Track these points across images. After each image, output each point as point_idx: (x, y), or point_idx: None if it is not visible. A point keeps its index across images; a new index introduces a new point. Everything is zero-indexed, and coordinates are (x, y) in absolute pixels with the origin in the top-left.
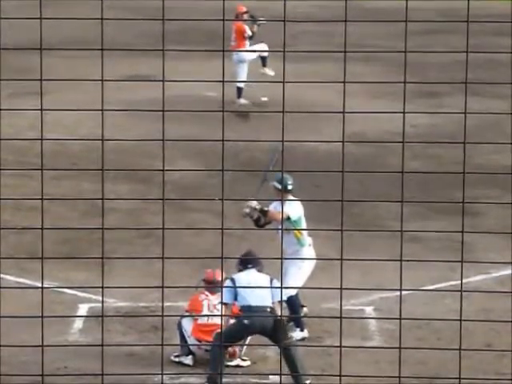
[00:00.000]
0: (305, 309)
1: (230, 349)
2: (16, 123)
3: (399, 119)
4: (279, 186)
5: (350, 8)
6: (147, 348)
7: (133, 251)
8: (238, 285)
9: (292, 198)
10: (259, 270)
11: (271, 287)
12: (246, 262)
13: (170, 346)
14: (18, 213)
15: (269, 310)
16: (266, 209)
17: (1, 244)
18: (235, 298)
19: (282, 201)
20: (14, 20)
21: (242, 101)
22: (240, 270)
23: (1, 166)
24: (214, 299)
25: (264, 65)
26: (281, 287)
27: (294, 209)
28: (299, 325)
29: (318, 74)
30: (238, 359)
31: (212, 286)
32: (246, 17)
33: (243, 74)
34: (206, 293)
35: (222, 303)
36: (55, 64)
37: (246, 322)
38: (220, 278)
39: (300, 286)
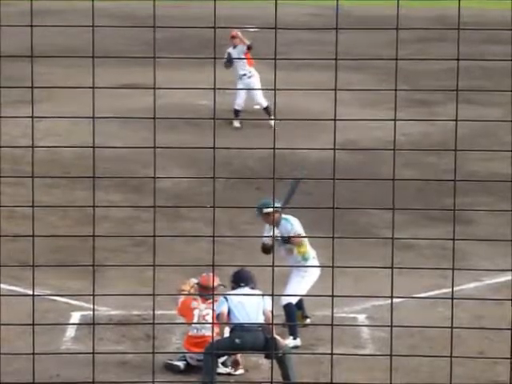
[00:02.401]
0: (308, 320)
1: (233, 357)
2: (9, 132)
3: (391, 127)
4: (269, 210)
5: (342, 16)
6: (140, 356)
7: (125, 259)
8: (230, 301)
9: (284, 216)
10: (252, 288)
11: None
12: (239, 280)
13: (162, 354)
14: (12, 221)
15: (260, 328)
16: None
17: None
18: (228, 314)
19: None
20: (6, 28)
21: (237, 124)
22: (233, 288)
23: None
24: (204, 309)
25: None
26: (272, 294)
27: (299, 226)
28: (293, 333)
29: (310, 83)
30: (230, 368)
31: (205, 293)
32: (237, 41)
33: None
34: (198, 300)
35: (213, 310)
36: (49, 72)
37: (237, 341)
38: (215, 284)
39: (300, 294)
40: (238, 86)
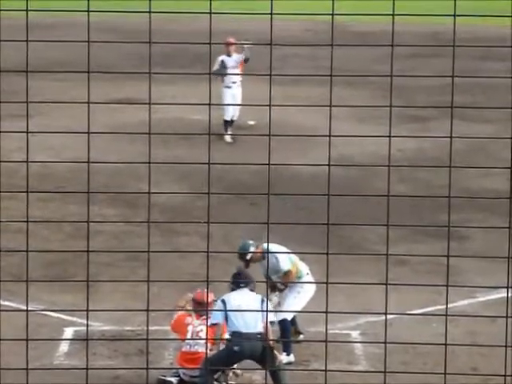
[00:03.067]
0: (301, 336)
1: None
2: (3, 146)
3: (386, 143)
4: (250, 255)
5: (337, 32)
6: (133, 371)
7: (119, 274)
8: (228, 306)
9: (268, 245)
10: (251, 289)
11: (261, 310)
12: (239, 281)
13: (156, 370)
14: (5, 235)
15: (259, 335)
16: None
17: None
18: (226, 319)
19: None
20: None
21: (228, 139)
22: (233, 289)
23: None
24: (198, 325)
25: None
26: (266, 310)
27: (284, 260)
28: (287, 349)
29: (304, 98)
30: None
31: (199, 309)
32: (232, 48)
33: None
34: (192, 316)
35: (207, 326)
36: (43, 87)
37: (235, 348)
38: (209, 300)
39: (296, 310)
40: (225, 95)
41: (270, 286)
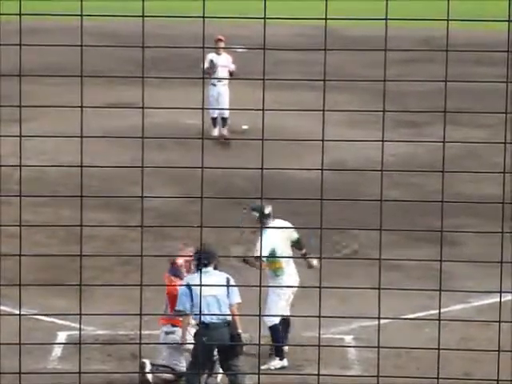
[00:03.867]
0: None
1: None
2: None
3: (379, 148)
4: (256, 214)
5: (329, 36)
6: (126, 376)
7: (112, 279)
8: (193, 289)
9: (270, 225)
10: (215, 267)
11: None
12: (202, 258)
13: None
14: None
15: (226, 324)
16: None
17: None
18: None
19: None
20: None
21: (216, 132)
22: (197, 267)
23: None
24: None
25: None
26: (259, 315)
27: (265, 244)
28: (279, 354)
29: (298, 103)
30: None
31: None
32: (222, 45)
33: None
34: (172, 279)
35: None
36: (36, 91)
37: (204, 339)
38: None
39: (282, 313)
40: (211, 92)
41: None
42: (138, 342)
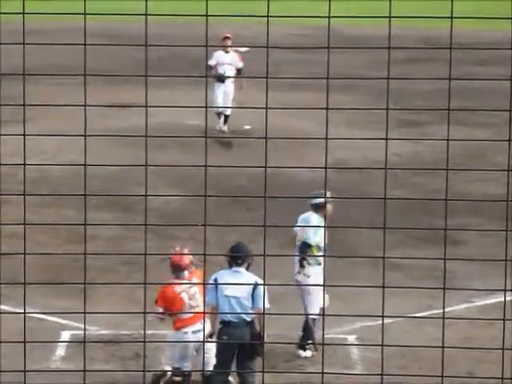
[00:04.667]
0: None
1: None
2: None
3: (382, 148)
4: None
5: (331, 36)
6: (129, 376)
7: (114, 279)
8: (219, 288)
9: (315, 216)
10: (247, 267)
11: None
12: (236, 256)
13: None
14: None
15: (246, 323)
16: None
17: None
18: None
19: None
20: None
21: (222, 126)
22: (229, 264)
23: None
24: (189, 287)
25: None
26: (264, 313)
27: (316, 232)
28: (304, 346)
29: (299, 103)
30: None
31: (178, 272)
32: (229, 43)
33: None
34: (179, 280)
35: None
36: (37, 92)
37: (224, 338)
38: (187, 262)
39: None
40: (217, 90)
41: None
42: (141, 341)
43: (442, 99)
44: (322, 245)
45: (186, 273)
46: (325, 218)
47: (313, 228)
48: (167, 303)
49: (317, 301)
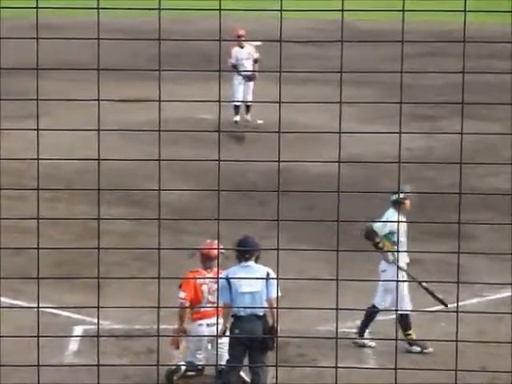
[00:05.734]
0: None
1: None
2: (9, 146)
3: (394, 142)
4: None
5: (344, 30)
6: (142, 371)
7: (127, 274)
8: (232, 284)
9: (392, 211)
10: (256, 260)
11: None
12: (244, 250)
13: (165, 370)
14: (10, 235)
15: (258, 317)
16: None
17: None
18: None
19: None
20: (7, 42)
21: (237, 118)
22: (238, 259)
23: None
24: (213, 283)
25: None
26: (277, 307)
27: (386, 224)
28: (361, 333)
29: (312, 98)
30: None
31: (207, 263)
32: (242, 39)
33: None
34: (203, 272)
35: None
36: (49, 87)
37: (236, 331)
38: (216, 253)
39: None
40: (238, 84)
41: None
42: (155, 335)
43: (453, 93)
44: (395, 239)
45: (215, 263)
46: (398, 213)
47: (384, 219)
48: (189, 291)
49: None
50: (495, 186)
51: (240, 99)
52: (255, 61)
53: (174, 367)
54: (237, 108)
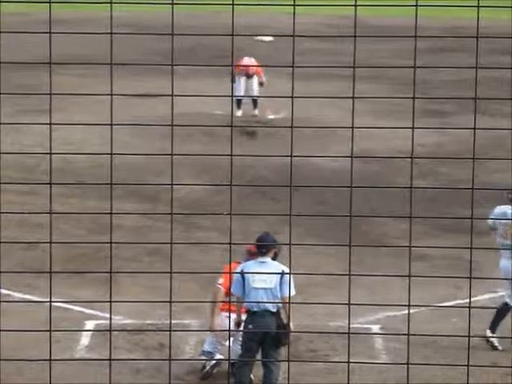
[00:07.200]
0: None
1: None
2: (21, 141)
3: (406, 138)
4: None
5: (358, 25)
6: (153, 365)
7: (138, 269)
8: (246, 278)
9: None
10: (274, 257)
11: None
12: (261, 246)
13: (176, 365)
14: (23, 230)
15: (272, 313)
16: None
17: (5, 261)
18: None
19: None
20: (14, 37)
21: (239, 113)
22: (255, 254)
23: (4, 183)
24: None
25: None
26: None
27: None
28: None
29: (324, 93)
30: None
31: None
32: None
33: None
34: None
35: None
36: (62, 82)
37: (250, 326)
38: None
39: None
40: (237, 77)
41: None
42: (167, 330)
43: (465, 89)
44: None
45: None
46: None
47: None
48: (227, 279)
49: None
50: (507, 181)
51: (242, 93)
52: (261, 83)
53: (213, 362)
54: (239, 102)
